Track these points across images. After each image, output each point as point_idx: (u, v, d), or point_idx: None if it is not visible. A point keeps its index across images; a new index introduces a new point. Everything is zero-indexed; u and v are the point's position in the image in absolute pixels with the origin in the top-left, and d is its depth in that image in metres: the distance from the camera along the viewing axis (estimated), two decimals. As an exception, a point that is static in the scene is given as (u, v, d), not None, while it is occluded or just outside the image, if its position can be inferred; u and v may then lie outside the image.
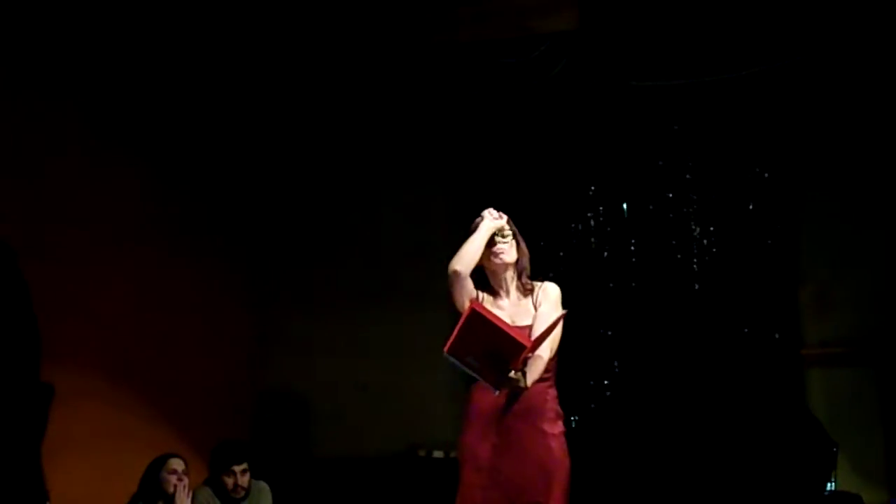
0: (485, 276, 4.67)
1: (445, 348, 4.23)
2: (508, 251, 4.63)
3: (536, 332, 4.36)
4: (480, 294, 4.64)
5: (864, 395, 7.08)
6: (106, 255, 6.72)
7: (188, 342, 7.33)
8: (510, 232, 4.67)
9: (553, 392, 4.52)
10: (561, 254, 7.68)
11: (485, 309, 4.22)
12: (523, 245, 4.72)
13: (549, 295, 4.63)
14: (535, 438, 4.43)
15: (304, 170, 8.19)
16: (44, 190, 6.29)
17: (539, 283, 4.69)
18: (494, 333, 4.12)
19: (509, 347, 4.14)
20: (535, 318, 4.52)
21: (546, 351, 4.39)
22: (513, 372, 4.20)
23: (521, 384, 4.28)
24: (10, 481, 5.08)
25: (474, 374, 4.29)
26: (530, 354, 4.24)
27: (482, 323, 4.11)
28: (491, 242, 4.61)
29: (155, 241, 7.13)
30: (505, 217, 4.69)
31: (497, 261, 4.63)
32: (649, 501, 6.96)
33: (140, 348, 6.94)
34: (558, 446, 4.48)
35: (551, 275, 5.01)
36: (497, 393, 4.33)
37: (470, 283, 4.54)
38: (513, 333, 4.16)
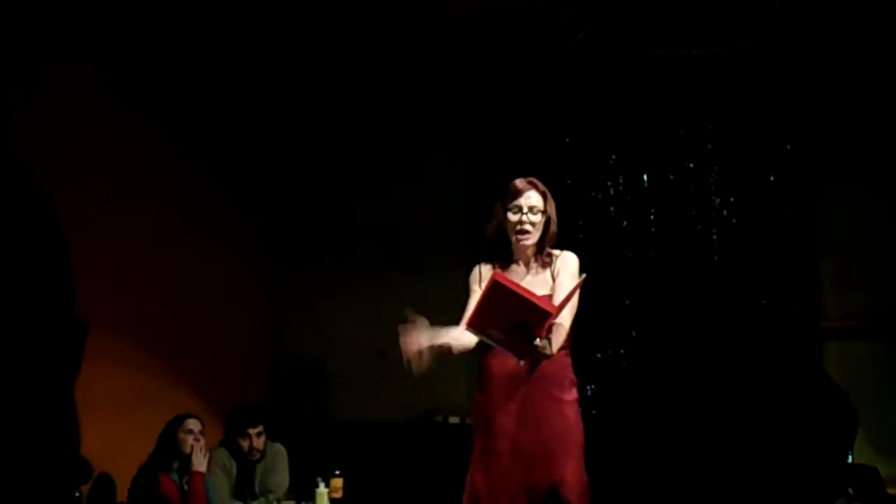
0: (503, 238, 4.61)
1: (465, 322, 4.20)
2: (533, 234, 4.48)
3: (557, 301, 4.33)
4: (489, 267, 4.54)
5: (882, 369, 7.07)
6: (128, 221, 6.75)
7: (207, 307, 7.36)
8: (540, 210, 4.50)
9: (568, 360, 4.47)
10: (580, 223, 7.65)
11: (506, 279, 4.17)
12: (553, 225, 4.53)
13: (568, 265, 4.52)
14: (550, 406, 4.40)
15: (322, 138, 8.18)
16: (68, 152, 6.32)
17: (557, 253, 4.59)
18: (518, 302, 4.07)
19: (535, 315, 4.09)
20: (553, 288, 4.47)
21: (567, 318, 4.34)
22: (538, 340, 4.16)
23: (547, 351, 4.24)
24: (42, 418, 5.03)
25: (497, 346, 4.25)
26: (555, 321, 4.20)
27: (505, 293, 4.06)
28: (517, 216, 4.46)
29: (176, 208, 7.18)
30: (535, 197, 4.49)
31: (520, 244, 4.53)
32: (665, 471, 6.96)
33: (160, 312, 6.98)
34: (573, 414, 4.45)
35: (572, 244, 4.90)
36: (521, 362, 4.30)
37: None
38: (537, 301, 4.11)
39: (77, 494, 4.66)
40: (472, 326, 4.18)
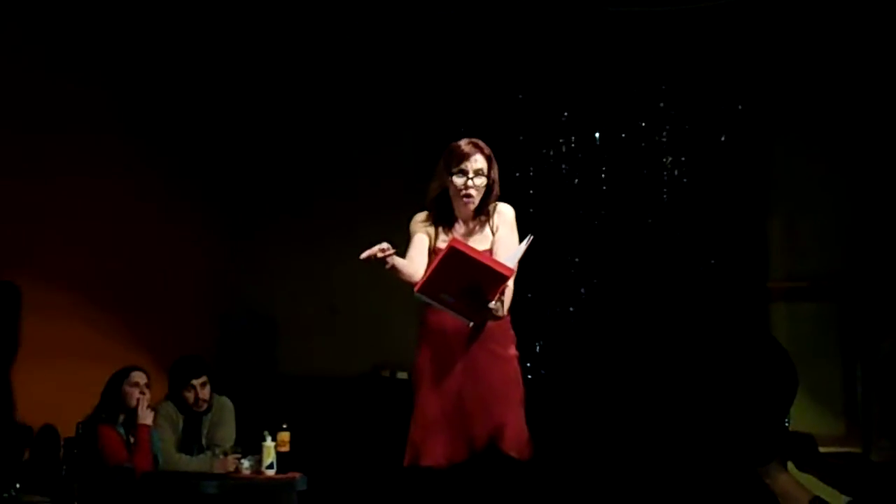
0: (445, 197, 4.57)
1: (417, 288, 4.17)
2: (475, 198, 4.47)
3: (498, 257, 4.34)
4: (433, 228, 4.55)
5: (826, 329, 7.15)
6: (79, 171, 6.71)
7: (156, 261, 7.31)
8: (484, 173, 4.46)
9: (508, 316, 4.47)
10: (531, 179, 7.63)
11: (464, 244, 4.16)
12: (496, 188, 4.53)
13: (506, 217, 4.52)
14: (492, 362, 4.41)
15: (272, 92, 8.08)
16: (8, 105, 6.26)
17: (492, 205, 4.59)
18: (475, 268, 4.06)
19: (491, 279, 4.09)
20: (493, 242, 4.47)
21: (511, 278, 4.36)
22: (492, 303, 4.17)
23: (500, 314, 4.25)
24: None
25: (447, 309, 4.23)
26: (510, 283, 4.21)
27: (462, 260, 4.05)
28: (462, 180, 4.44)
29: (125, 161, 7.11)
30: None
31: (462, 207, 4.51)
32: (610, 427, 7.03)
33: (108, 264, 6.94)
34: (513, 369, 4.47)
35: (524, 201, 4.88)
36: (471, 325, 4.30)
37: (424, 252, 4.49)
38: (495, 266, 4.11)
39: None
40: (424, 292, 4.16)
